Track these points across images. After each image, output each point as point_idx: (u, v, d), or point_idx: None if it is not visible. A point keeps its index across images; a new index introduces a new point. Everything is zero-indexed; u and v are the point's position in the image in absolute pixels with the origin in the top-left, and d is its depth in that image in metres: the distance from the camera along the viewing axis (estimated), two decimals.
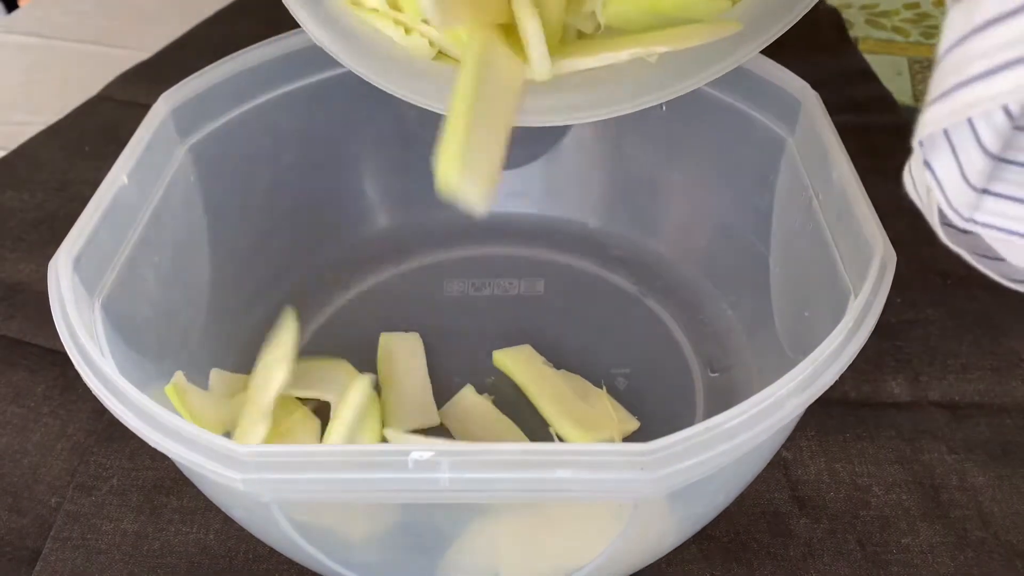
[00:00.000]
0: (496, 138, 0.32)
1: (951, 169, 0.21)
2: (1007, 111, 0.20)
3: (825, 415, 0.42)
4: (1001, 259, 0.24)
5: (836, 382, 0.28)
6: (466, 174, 0.30)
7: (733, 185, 0.45)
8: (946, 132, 0.21)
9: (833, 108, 0.38)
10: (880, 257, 0.31)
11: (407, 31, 0.37)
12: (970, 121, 0.20)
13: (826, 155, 0.37)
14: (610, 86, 0.36)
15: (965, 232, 0.23)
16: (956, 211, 0.22)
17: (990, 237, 0.23)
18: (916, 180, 0.23)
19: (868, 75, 0.65)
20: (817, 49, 0.67)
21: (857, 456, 0.41)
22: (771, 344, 0.40)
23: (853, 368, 0.29)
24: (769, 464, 0.36)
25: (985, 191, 0.22)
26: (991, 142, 0.20)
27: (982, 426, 0.42)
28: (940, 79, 0.19)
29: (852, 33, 0.71)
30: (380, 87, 0.37)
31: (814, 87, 0.40)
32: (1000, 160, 0.21)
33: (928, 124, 0.20)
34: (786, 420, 0.27)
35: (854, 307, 0.30)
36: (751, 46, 0.35)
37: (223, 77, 0.43)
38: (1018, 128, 0.21)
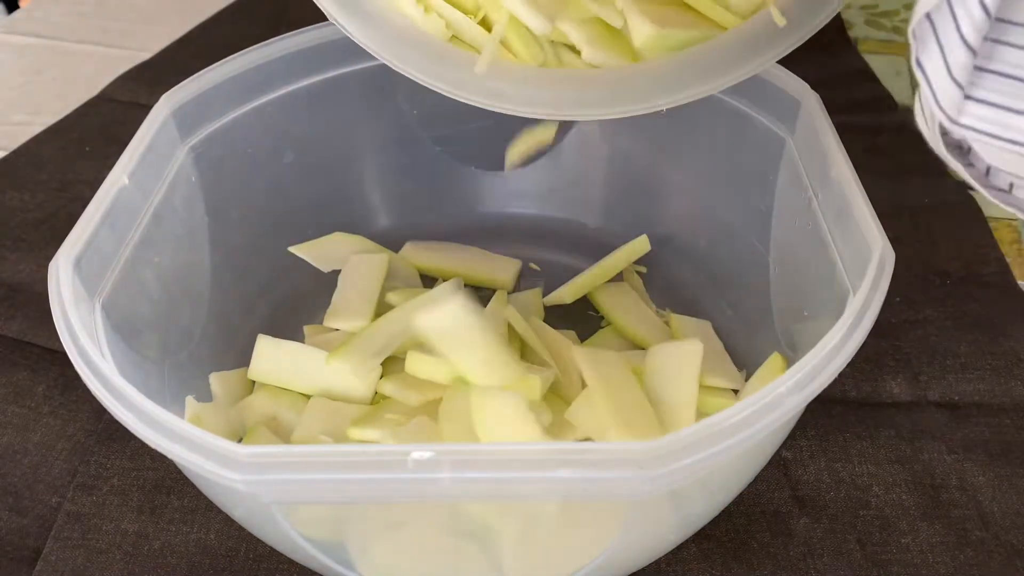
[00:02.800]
0: None
1: (938, 64, 0.24)
2: (983, 5, 0.23)
3: (825, 415, 0.42)
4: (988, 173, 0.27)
5: (836, 382, 0.29)
6: None
7: (733, 185, 0.45)
8: (933, 24, 0.24)
9: (833, 108, 0.38)
10: (879, 256, 0.31)
11: (426, 10, 0.36)
12: (952, 12, 0.23)
13: (825, 155, 0.37)
14: (647, 81, 0.36)
15: (962, 151, 0.27)
16: (945, 112, 0.25)
17: (973, 139, 0.26)
18: (923, 102, 0.26)
19: (868, 75, 0.65)
20: (817, 49, 0.67)
21: (857, 456, 0.41)
22: (771, 344, 0.40)
23: (853, 368, 0.29)
24: (769, 464, 0.36)
25: (968, 97, 0.25)
26: (970, 34, 0.23)
27: (982, 426, 0.42)
28: None
29: (852, 33, 0.71)
30: (395, 68, 0.37)
31: (814, 87, 0.40)
32: (979, 69, 0.24)
33: (919, 8, 0.23)
34: (785, 418, 0.27)
35: (852, 305, 0.30)
36: (793, 38, 0.35)
37: (223, 77, 0.43)
38: (990, 40, 0.24)
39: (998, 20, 0.24)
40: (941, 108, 0.25)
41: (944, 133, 0.27)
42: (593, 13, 0.35)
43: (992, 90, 0.24)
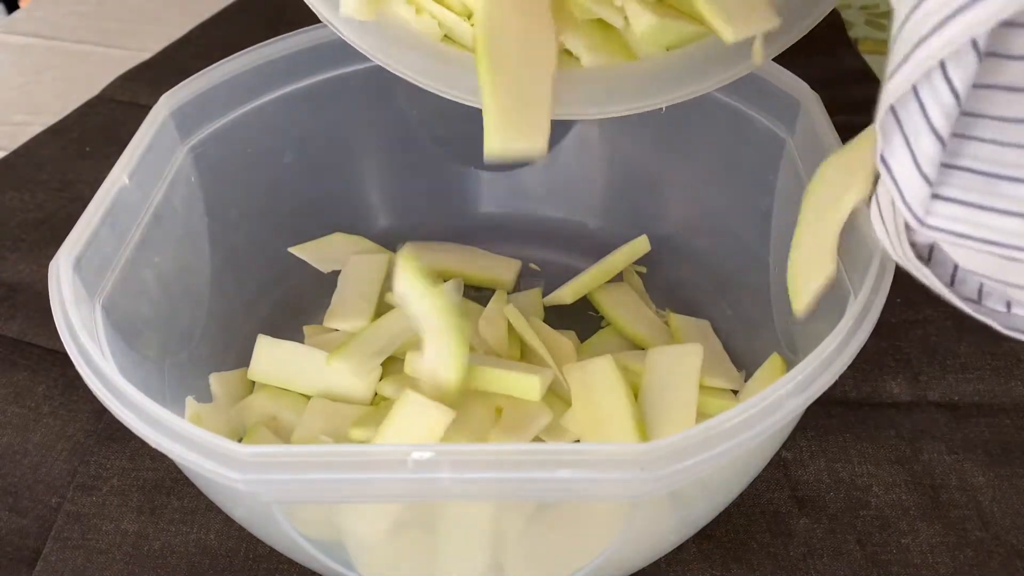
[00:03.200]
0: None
1: (905, 159, 0.22)
2: (953, 90, 0.21)
3: (825, 415, 0.42)
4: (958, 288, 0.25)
5: (836, 382, 0.29)
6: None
7: (733, 185, 0.45)
8: (898, 119, 0.22)
9: (833, 108, 0.38)
10: (880, 257, 0.31)
11: (418, 11, 0.36)
12: (919, 100, 0.22)
13: (826, 155, 0.37)
14: (642, 78, 0.36)
15: (923, 258, 0.25)
16: (913, 212, 0.23)
17: (942, 240, 0.24)
18: (882, 206, 0.24)
19: (868, 75, 0.66)
20: (817, 49, 0.67)
21: (857, 456, 0.41)
22: (771, 344, 0.40)
23: (853, 368, 0.29)
24: (769, 464, 0.36)
25: (935, 196, 0.23)
26: (940, 123, 0.21)
27: (982, 426, 0.42)
28: (893, 58, 0.21)
29: (852, 33, 0.71)
30: (388, 68, 0.37)
31: (814, 87, 0.40)
32: (946, 166, 0.22)
33: (884, 99, 0.21)
34: (785, 420, 0.27)
35: (854, 307, 0.30)
36: (786, 37, 0.35)
37: (223, 77, 0.43)
38: (957, 136, 0.22)
39: (965, 114, 0.22)
40: (908, 207, 0.23)
41: (912, 244, 0.25)
42: (593, 14, 0.35)
43: (961, 187, 0.22)
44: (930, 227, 0.23)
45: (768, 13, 0.32)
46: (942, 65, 0.21)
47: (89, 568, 0.37)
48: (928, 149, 0.22)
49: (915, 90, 0.22)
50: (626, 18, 0.35)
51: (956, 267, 0.25)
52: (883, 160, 0.23)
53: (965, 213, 0.22)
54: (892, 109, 0.22)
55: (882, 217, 0.25)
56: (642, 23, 0.34)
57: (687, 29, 0.35)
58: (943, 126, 0.22)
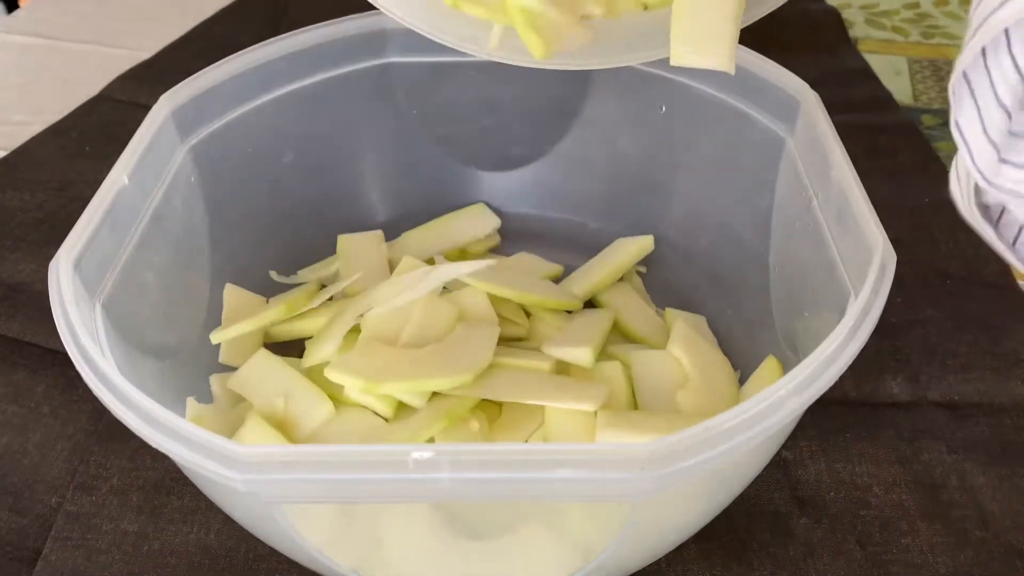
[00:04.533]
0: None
1: (975, 124, 0.25)
2: (1017, 67, 0.24)
3: (825, 415, 0.42)
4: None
5: (836, 382, 0.29)
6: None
7: (733, 185, 0.45)
8: (969, 85, 0.25)
9: (833, 108, 0.38)
10: (880, 257, 0.31)
11: None
12: (988, 73, 0.24)
13: (825, 155, 0.37)
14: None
15: (991, 219, 0.27)
16: (981, 173, 0.25)
17: (1009, 200, 0.26)
18: (959, 165, 0.27)
19: (868, 75, 0.65)
20: (817, 49, 0.67)
21: (857, 456, 0.41)
22: (771, 344, 0.40)
23: (853, 368, 0.29)
24: (769, 464, 0.36)
25: (1003, 160, 0.25)
26: (1006, 96, 0.24)
27: (982, 426, 0.42)
28: (968, 30, 0.24)
29: (852, 33, 0.71)
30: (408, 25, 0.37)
31: (814, 87, 0.40)
32: (1013, 135, 0.25)
33: (958, 66, 0.24)
34: (785, 420, 0.27)
35: (854, 307, 0.30)
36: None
37: (223, 77, 0.43)
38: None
39: None
40: (978, 168, 0.25)
41: (979, 196, 0.27)
42: None
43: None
44: (997, 187, 0.25)
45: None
46: (1007, 41, 0.23)
47: (89, 568, 0.37)
48: (996, 118, 0.24)
49: (985, 64, 0.24)
50: None
51: (1021, 229, 0.28)
52: (956, 124, 0.25)
53: None
54: (964, 74, 0.25)
55: (958, 176, 0.27)
56: None
57: None
58: (1009, 100, 0.24)
